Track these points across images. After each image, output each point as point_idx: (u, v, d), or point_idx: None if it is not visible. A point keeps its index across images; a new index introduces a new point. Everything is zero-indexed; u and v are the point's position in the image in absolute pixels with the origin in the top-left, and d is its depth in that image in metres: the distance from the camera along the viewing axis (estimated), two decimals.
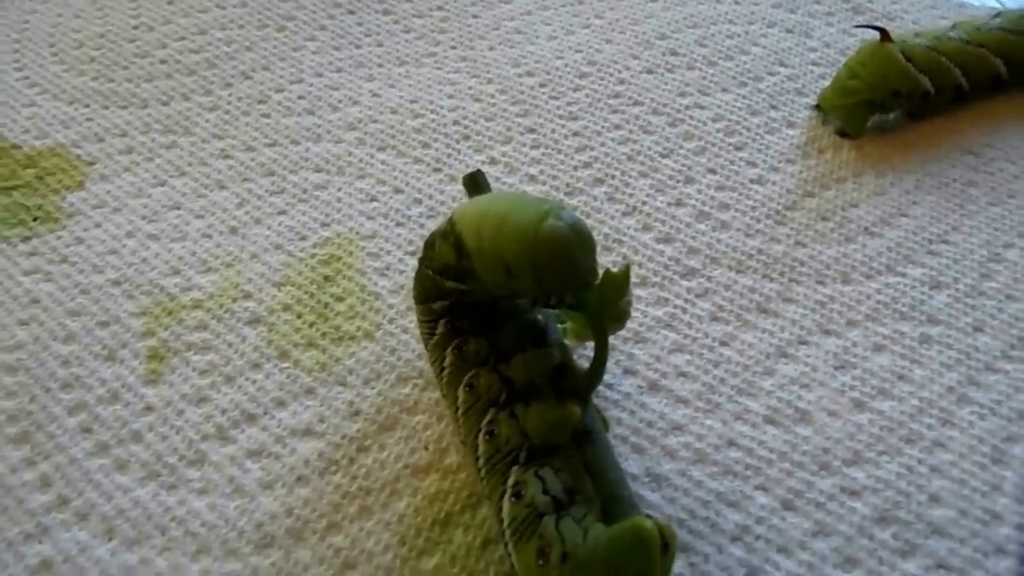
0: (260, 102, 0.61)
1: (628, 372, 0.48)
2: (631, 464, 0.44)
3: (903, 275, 0.52)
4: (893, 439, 0.45)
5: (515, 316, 0.43)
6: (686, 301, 0.51)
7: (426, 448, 0.45)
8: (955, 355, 0.49)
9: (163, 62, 0.63)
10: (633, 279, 0.51)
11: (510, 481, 0.39)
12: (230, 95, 0.61)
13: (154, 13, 0.67)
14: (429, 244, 0.42)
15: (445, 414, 0.46)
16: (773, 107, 0.61)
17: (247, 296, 0.51)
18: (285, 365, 0.48)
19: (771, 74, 0.63)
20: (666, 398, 0.47)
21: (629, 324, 0.49)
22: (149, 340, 0.49)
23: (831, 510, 0.43)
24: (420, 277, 0.44)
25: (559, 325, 0.45)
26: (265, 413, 0.46)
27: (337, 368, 0.48)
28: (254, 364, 0.48)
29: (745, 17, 0.67)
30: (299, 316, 0.50)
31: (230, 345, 0.49)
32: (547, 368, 0.41)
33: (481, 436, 0.40)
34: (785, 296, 0.51)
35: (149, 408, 0.46)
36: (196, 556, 0.41)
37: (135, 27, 0.66)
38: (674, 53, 0.64)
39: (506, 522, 0.38)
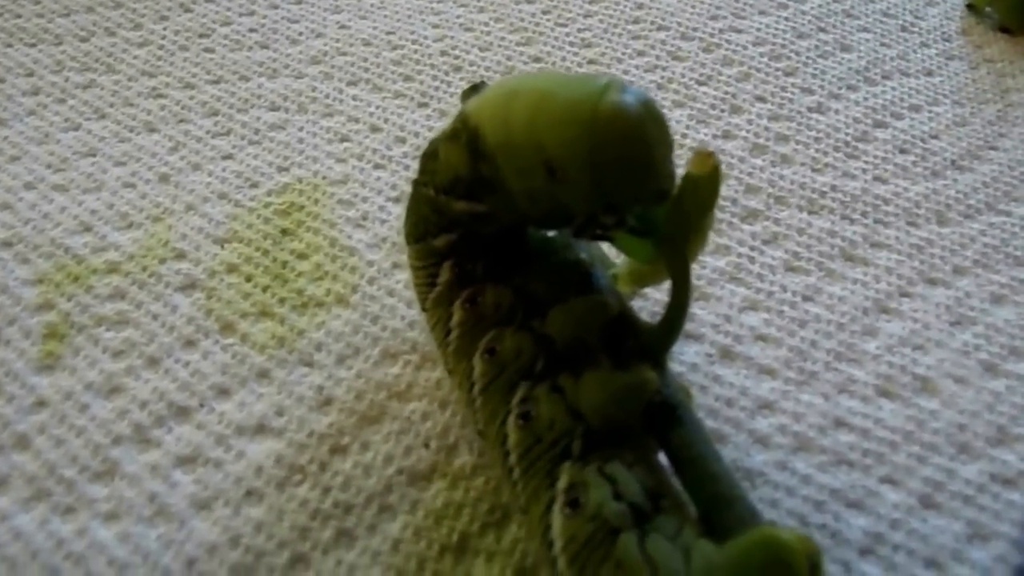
0: (202, 36, 0.47)
1: (690, 337, 0.34)
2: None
3: (1007, 214, 0.40)
4: None
5: (548, 255, 0.30)
6: (752, 248, 0.38)
7: (426, 446, 0.31)
8: None
9: None
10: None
11: (561, 484, 0.25)
12: (164, 29, 0.48)
13: None
14: (429, 155, 0.29)
15: (451, 398, 0.32)
16: (822, 30, 0.49)
17: (180, 256, 0.37)
18: (229, 341, 0.34)
19: None
20: (745, 368, 0.34)
21: None
22: (46, 314, 0.34)
23: (984, 505, 0.30)
24: (416, 203, 0.30)
25: (608, 272, 0.31)
26: (201, 405, 0.32)
27: (300, 343, 0.34)
28: (187, 341, 0.34)
29: None
30: (248, 279, 0.36)
31: (155, 317, 0.34)
32: (601, 322, 0.27)
33: (512, 421, 0.27)
34: (873, 240, 0.39)
35: (41, 403, 0.32)
36: None
37: None
38: None
39: (559, 545, 0.24)
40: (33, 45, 0.46)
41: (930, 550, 0.29)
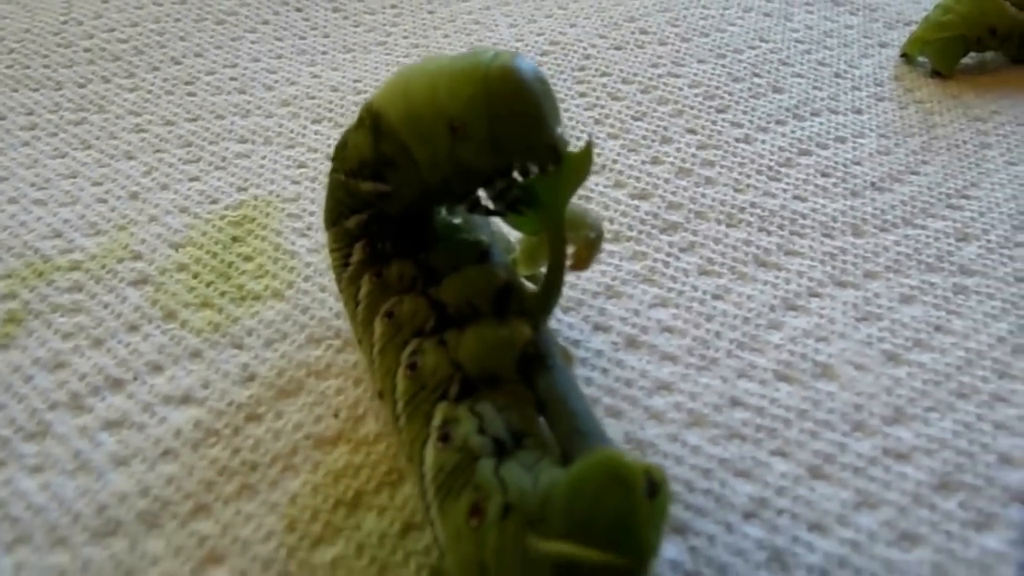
0: (187, 83, 0.52)
1: (599, 328, 0.36)
2: (606, 430, 0.32)
3: (923, 227, 0.42)
4: (941, 393, 0.34)
5: (451, 236, 0.33)
6: (668, 255, 0.40)
7: (336, 415, 0.33)
8: (1000, 305, 0.38)
9: (87, 51, 0.55)
10: (604, 234, 0.41)
11: (435, 421, 0.27)
12: (155, 77, 0.53)
13: (85, 9, 0.59)
14: (340, 145, 0.32)
15: (364, 377, 0.34)
16: (756, 75, 0.52)
17: (136, 257, 0.40)
18: (169, 326, 0.36)
19: (751, 48, 0.55)
20: (648, 355, 0.35)
21: (598, 277, 0.38)
22: (9, 303, 0.37)
23: (875, 476, 0.31)
24: (331, 189, 0.33)
25: (508, 257, 0.34)
26: (135, 378, 0.34)
27: (233, 329, 0.36)
28: (131, 326, 0.36)
29: (719, 1, 0.60)
30: (195, 276, 0.39)
31: (106, 306, 0.37)
32: (489, 288, 0.30)
33: (401, 372, 0.29)
34: (787, 249, 0.40)
35: None
36: (11, 546, 0.28)
37: (64, 22, 0.58)
38: (644, 32, 0.56)
39: (429, 476, 0.26)
40: (36, 90, 0.52)
41: (815, 515, 0.29)
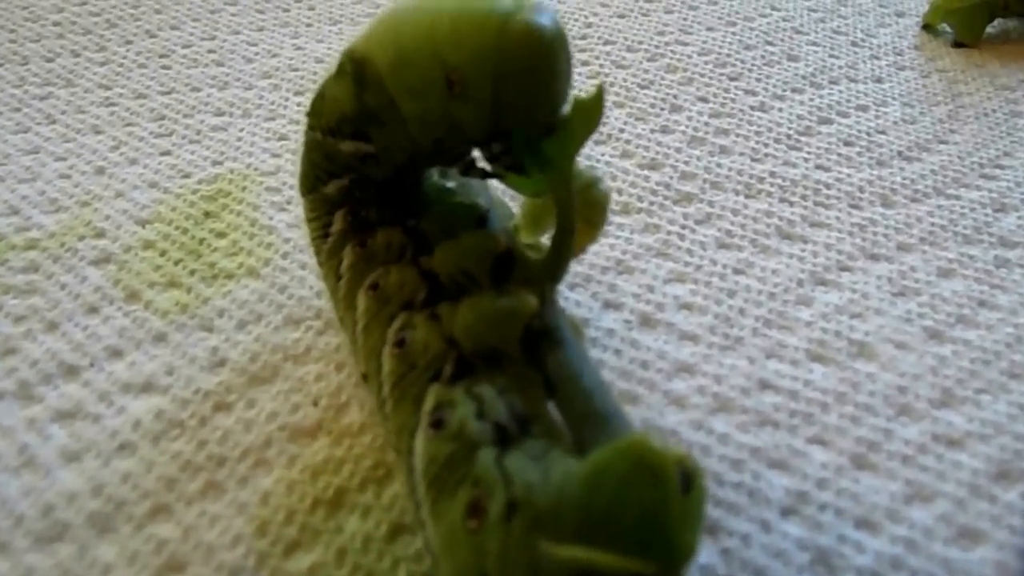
0: (161, 56, 0.48)
1: (610, 305, 0.32)
2: None
3: (957, 198, 0.38)
4: (992, 373, 0.30)
5: (444, 200, 0.29)
6: (683, 227, 0.36)
7: (315, 404, 0.28)
8: None
9: (56, 24, 0.51)
10: (612, 206, 0.37)
11: (427, 406, 0.23)
12: (127, 51, 0.49)
13: None
14: (317, 98, 0.28)
15: (348, 361, 0.30)
16: (769, 43, 0.49)
17: (99, 235, 0.36)
18: (132, 308, 0.32)
19: (763, 16, 0.51)
20: (665, 334, 0.31)
21: (607, 252, 0.35)
22: None
23: (926, 466, 0.27)
24: (307, 151, 0.29)
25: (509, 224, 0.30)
26: (92, 365, 0.30)
27: (203, 310, 0.32)
28: (90, 308, 0.32)
29: None
30: (162, 253, 0.35)
31: (63, 287, 0.33)
32: (488, 255, 0.26)
33: (387, 350, 0.25)
34: (812, 220, 0.37)
35: None
36: None
37: None
38: (648, 0, 0.52)
39: (419, 468, 0.22)
40: (0, 65, 0.48)
41: (862, 510, 0.25)
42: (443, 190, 0.29)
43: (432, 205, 0.28)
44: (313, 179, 0.29)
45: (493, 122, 0.24)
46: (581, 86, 0.45)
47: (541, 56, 0.23)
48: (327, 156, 0.28)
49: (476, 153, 0.27)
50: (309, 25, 0.51)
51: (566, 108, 0.24)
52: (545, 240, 0.28)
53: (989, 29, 0.51)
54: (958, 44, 0.50)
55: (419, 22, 0.24)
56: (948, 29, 0.51)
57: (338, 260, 0.28)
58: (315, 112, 0.28)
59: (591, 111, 0.24)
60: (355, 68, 0.26)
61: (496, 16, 0.23)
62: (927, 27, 0.51)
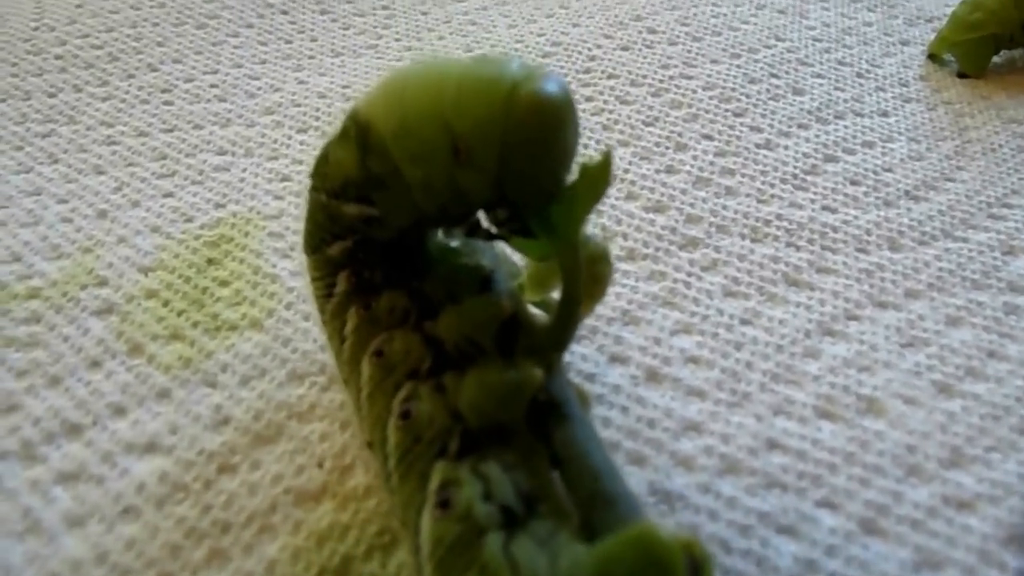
0: (164, 91, 0.48)
1: (616, 359, 0.32)
2: (628, 480, 0.27)
3: (964, 240, 0.38)
4: (1002, 430, 0.29)
5: (448, 261, 0.28)
6: (688, 275, 0.36)
7: (320, 466, 0.28)
8: None
9: (59, 58, 0.51)
10: (617, 252, 0.37)
11: (433, 484, 0.23)
12: (129, 85, 0.49)
13: (58, 14, 0.55)
14: (321, 159, 0.28)
15: (352, 419, 0.30)
16: (774, 75, 0.48)
17: (102, 283, 0.35)
18: (135, 362, 0.32)
19: (767, 47, 0.51)
20: (672, 390, 0.31)
21: (613, 301, 0.34)
22: None
23: (936, 531, 0.26)
24: (311, 211, 0.29)
25: (514, 282, 0.30)
26: (95, 423, 0.30)
27: (206, 364, 0.32)
28: (93, 362, 0.32)
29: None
30: (165, 304, 0.34)
31: (66, 339, 0.33)
32: (493, 321, 0.25)
33: (393, 422, 0.24)
34: (819, 266, 0.36)
35: None
36: None
37: (35, 28, 0.54)
38: (652, 31, 0.52)
39: (426, 550, 0.22)
40: (2, 100, 0.47)
41: None
42: (447, 250, 0.29)
43: (436, 265, 0.28)
44: (318, 239, 0.29)
45: (498, 190, 0.24)
46: (585, 123, 0.44)
47: (549, 128, 0.22)
48: (331, 217, 0.28)
49: (481, 215, 0.26)
50: (311, 58, 0.51)
51: (573, 174, 0.24)
52: (552, 295, 0.28)
53: (995, 59, 0.50)
54: (962, 75, 0.50)
55: (425, 87, 0.24)
56: (954, 59, 0.50)
57: (342, 322, 0.28)
58: (319, 174, 0.28)
59: (598, 178, 0.24)
60: (359, 133, 0.25)
61: (504, 84, 0.22)
62: (932, 57, 0.51)
